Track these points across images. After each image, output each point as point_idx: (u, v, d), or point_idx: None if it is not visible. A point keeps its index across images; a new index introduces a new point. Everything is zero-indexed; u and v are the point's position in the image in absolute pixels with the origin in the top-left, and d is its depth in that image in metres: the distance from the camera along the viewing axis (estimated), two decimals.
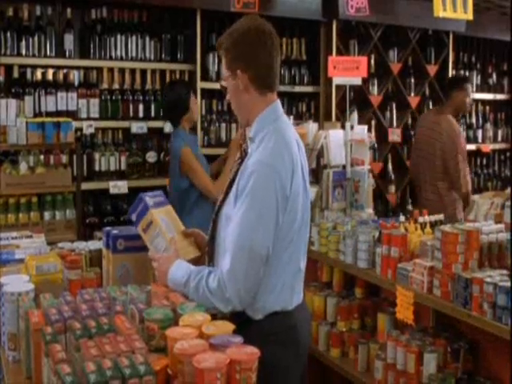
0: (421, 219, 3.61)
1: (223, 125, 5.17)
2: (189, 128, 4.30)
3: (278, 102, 2.22)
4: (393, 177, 5.90)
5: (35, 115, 4.38)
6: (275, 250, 2.10)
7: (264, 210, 2.03)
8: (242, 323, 2.03)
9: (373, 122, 5.81)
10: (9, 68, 4.41)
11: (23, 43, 4.43)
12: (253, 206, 2.03)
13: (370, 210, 4.18)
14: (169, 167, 4.33)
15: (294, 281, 2.22)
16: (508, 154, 6.82)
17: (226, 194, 2.22)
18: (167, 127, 4.88)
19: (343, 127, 4.35)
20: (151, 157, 4.91)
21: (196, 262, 2.34)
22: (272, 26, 2.19)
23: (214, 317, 1.99)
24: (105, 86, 4.73)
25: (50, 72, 4.54)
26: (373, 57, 5.83)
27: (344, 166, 4.20)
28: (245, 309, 2.12)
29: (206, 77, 5.07)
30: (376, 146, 5.70)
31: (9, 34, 4.39)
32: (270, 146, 2.08)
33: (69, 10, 4.60)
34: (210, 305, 2.06)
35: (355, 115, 5.55)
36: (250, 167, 2.07)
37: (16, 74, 4.41)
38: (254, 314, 2.15)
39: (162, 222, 2.33)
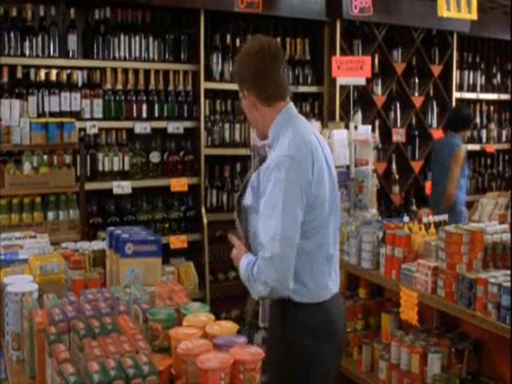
0: (425, 219, 3.60)
1: (227, 125, 5.16)
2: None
3: (290, 105, 2.35)
4: (397, 177, 5.89)
5: (39, 115, 4.39)
6: (303, 236, 2.19)
7: (289, 198, 2.14)
8: (278, 315, 2.26)
9: (377, 122, 5.81)
10: (12, 68, 4.41)
11: (27, 43, 4.43)
12: (278, 196, 2.13)
13: (374, 211, 4.17)
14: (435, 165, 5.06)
15: (324, 269, 2.31)
16: None
17: (244, 189, 2.36)
18: (170, 127, 4.88)
19: (347, 127, 4.35)
20: (155, 157, 4.91)
21: None
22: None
23: None
24: (108, 86, 4.73)
25: (54, 72, 4.54)
26: (377, 57, 5.82)
27: (348, 166, 4.19)
28: (281, 296, 2.23)
29: (209, 77, 5.07)
30: (380, 146, 5.70)
31: (12, 35, 4.39)
32: (287, 141, 2.22)
33: (72, 11, 4.60)
34: (253, 292, 2.23)
35: (359, 115, 5.56)
36: (270, 162, 2.19)
37: (19, 75, 4.41)
38: (287, 303, 2.26)
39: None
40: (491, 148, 6.54)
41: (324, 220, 2.27)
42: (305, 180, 2.17)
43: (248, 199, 2.31)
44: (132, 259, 2.43)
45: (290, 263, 2.16)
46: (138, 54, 4.83)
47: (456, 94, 6.25)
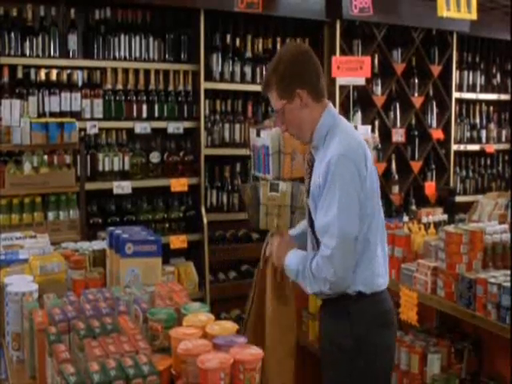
0: (424, 219, 3.60)
1: (227, 125, 5.16)
2: None
3: (330, 104, 2.41)
4: (396, 177, 5.89)
5: (39, 115, 4.39)
6: (360, 231, 2.26)
7: (346, 195, 2.21)
8: (338, 312, 2.32)
9: (376, 122, 5.81)
10: (13, 68, 4.41)
11: (27, 43, 4.43)
12: (336, 194, 2.20)
13: None
14: None
15: (379, 257, 2.37)
16: None
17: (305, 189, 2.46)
18: (170, 127, 4.88)
19: None
20: (155, 157, 4.92)
21: None
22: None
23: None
24: (108, 86, 4.73)
25: (54, 72, 4.54)
26: (376, 57, 5.82)
27: None
28: (343, 290, 2.28)
29: (209, 77, 5.07)
30: (380, 146, 5.70)
31: (13, 35, 4.39)
32: (337, 140, 2.28)
33: (72, 11, 4.61)
34: (311, 288, 2.29)
35: (359, 115, 5.56)
36: (325, 163, 2.23)
37: (20, 75, 4.41)
38: (348, 297, 2.31)
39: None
40: (491, 148, 6.54)
41: (376, 211, 2.35)
42: (360, 176, 2.23)
43: (310, 199, 2.37)
44: (132, 259, 2.43)
45: (349, 258, 2.23)
46: (138, 54, 4.83)
47: (456, 94, 6.25)
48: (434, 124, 6.19)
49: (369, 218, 2.29)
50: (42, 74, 4.49)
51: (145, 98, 4.83)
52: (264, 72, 5.23)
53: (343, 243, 2.20)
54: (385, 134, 5.82)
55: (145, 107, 4.83)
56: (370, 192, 2.29)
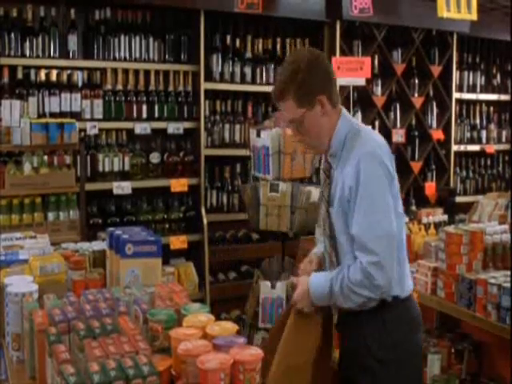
0: (425, 220, 3.60)
1: (227, 126, 5.16)
2: None
3: (344, 109, 2.35)
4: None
5: (39, 116, 4.39)
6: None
7: (383, 194, 2.16)
8: (378, 316, 2.21)
9: (376, 123, 5.81)
10: (13, 69, 4.41)
11: (27, 44, 4.43)
12: (372, 194, 2.15)
13: None
14: None
15: (406, 258, 2.32)
16: None
17: (324, 199, 2.36)
18: (170, 128, 4.88)
19: None
20: (155, 157, 4.92)
21: None
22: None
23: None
24: (108, 86, 4.73)
25: (54, 73, 4.54)
26: (376, 57, 5.82)
27: None
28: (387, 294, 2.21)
29: (209, 77, 5.07)
30: None
31: (13, 35, 4.39)
32: (361, 141, 2.23)
33: (72, 11, 4.61)
34: (358, 299, 2.15)
35: (359, 116, 5.56)
36: (354, 164, 2.17)
37: (20, 75, 4.41)
38: (383, 303, 2.23)
39: None
40: (491, 149, 6.54)
41: (400, 209, 2.30)
42: (389, 173, 2.19)
43: (335, 208, 2.27)
44: (132, 260, 2.43)
45: (394, 258, 2.17)
46: (138, 55, 4.83)
47: (456, 95, 6.25)
48: (434, 124, 6.19)
49: (399, 216, 2.25)
50: (42, 75, 4.49)
51: (145, 98, 4.84)
52: (265, 73, 5.24)
53: (389, 243, 2.14)
54: (385, 135, 5.75)
55: (145, 108, 4.83)
56: (397, 190, 2.26)
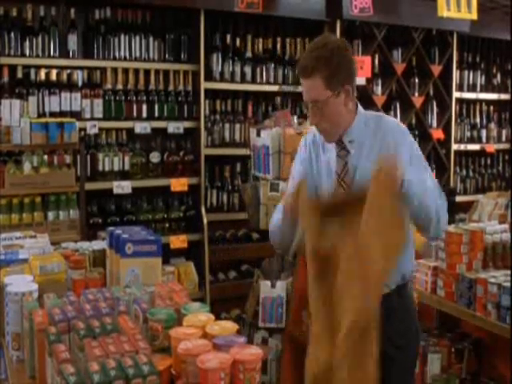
0: None
1: (227, 125, 5.16)
2: None
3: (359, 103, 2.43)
4: None
5: (39, 115, 4.39)
6: None
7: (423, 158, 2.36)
8: (398, 299, 2.28)
9: None
10: (12, 68, 4.41)
11: (27, 43, 4.43)
12: (420, 155, 2.36)
13: None
14: None
15: None
16: None
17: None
18: (170, 127, 4.88)
19: None
20: (155, 157, 4.92)
21: None
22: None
23: None
24: (108, 86, 4.73)
25: (54, 72, 4.53)
26: (377, 57, 5.82)
27: None
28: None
29: (209, 77, 5.07)
30: None
31: (12, 35, 4.39)
32: (385, 119, 2.41)
33: (72, 11, 4.60)
34: (434, 209, 2.16)
35: None
36: (391, 136, 2.32)
37: (20, 75, 4.41)
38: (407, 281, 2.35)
39: None
40: (491, 148, 6.54)
41: None
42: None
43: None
44: (132, 259, 2.43)
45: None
46: (138, 54, 4.83)
47: (456, 94, 6.25)
48: (435, 124, 6.19)
49: None
50: (42, 74, 4.49)
51: (145, 97, 4.83)
52: (265, 73, 5.23)
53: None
54: None
55: (145, 107, 4.83)
56: None
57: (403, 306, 2.31)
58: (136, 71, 4.83)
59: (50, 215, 4.21)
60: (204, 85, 5.00)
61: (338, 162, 2.37)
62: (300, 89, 2.47)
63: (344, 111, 2.30)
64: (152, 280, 2.40)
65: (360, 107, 2.40)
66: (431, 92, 6.16)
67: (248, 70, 5.21)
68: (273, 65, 5.28)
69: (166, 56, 4.98)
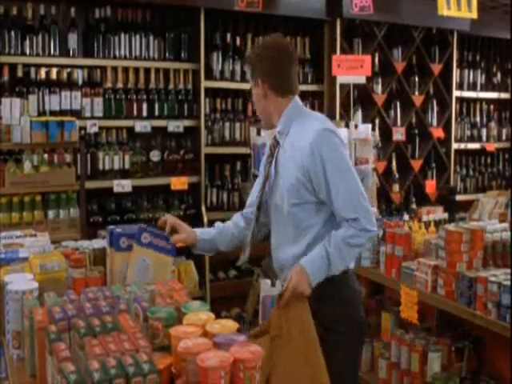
0: (425, 218, 3.60)
1: (227, 124, 5.16)
2: None
3: (297, 98, 2.53)
4: (397, 176, 5.89)
5: (39, 114, 4.39)
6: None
7: (347, 162, 2.36)
8: (332, 291, 2.39)
9: (377, 121, 5.80)
10: (13, 67, 4.41)
11: (27, 42, 4.43)
12: (339, 164, 2.33)
13: (374, 209, 4.17)
14: None
15: None
16: None
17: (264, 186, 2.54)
18: (171, 126, 4.89)
19: (347, 126, 4.35)
20: (155, 156, 4.92)
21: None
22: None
23: None
24: (108, 84, 4.73)
25: (54, 71, 4.54)
26: (377, 55, 5.82)
27: None
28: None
29: (209, 76, 5.07)
30: (380, 144, 5.70)
31: (13, 33, 4.39)
32: (313, 117, 2.47)
33: (73, 9, 4.61)
34: (357, 250, 2.36)
35: (359, 114, 5.54)
36: (311, 138, 2.33)
37: (20, 73, 4.41)
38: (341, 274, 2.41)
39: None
40: (491, 147, 6.54)
41: None
42: (341, 140, 2.39)
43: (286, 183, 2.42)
44: (146, 250, 2.44)
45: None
46: (138, 53, 4.83)
47: (456, 93, 6.25)
48: (435, 122, 6.19)
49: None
50: (42, 73, 4.50)
51: (145, 96, 4.84)
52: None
53: (365, 198, 2.35)
54: (385, 133, 5.82)
55: (145, 106, 4.83)
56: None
57: (333, 290, 2.40)
58: (136, 70, 4.83)
59: (51, 214, 4.21)
60: (204, 83, 5.00)
61: (267, 153, 2.58)
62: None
63: (267, 103, 2.47)
64: (161, 276, 2.41)
65: (296, 103, 2.48)
66: (431, 91, 6.16)
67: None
68: None
69: (166, 55, 4.98)
